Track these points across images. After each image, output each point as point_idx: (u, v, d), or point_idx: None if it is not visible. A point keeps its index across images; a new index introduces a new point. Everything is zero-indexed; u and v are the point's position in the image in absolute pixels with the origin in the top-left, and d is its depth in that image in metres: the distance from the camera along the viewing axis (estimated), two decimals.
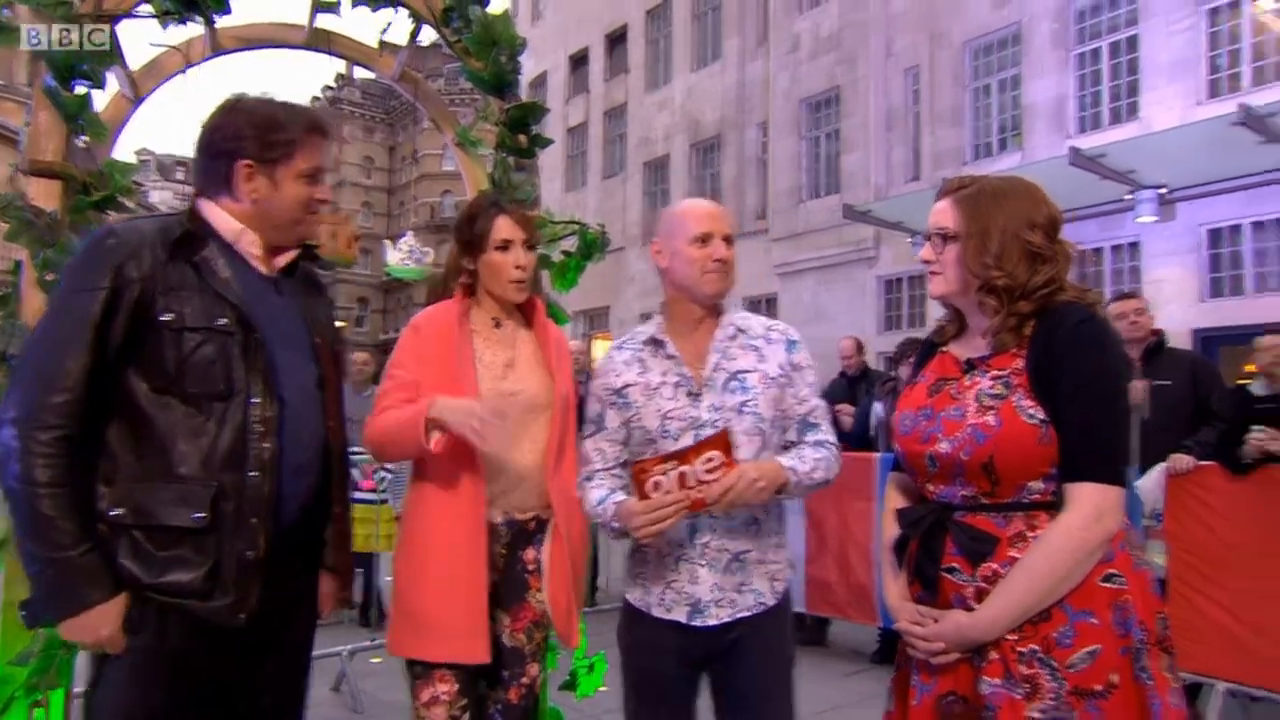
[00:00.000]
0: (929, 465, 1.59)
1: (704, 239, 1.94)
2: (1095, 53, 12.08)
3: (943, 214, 1.63)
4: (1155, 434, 4.10)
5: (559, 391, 2.15)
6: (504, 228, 2.11)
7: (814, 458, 1.93)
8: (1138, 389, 4.08)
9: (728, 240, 1.97)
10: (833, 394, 6.32)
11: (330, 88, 52.13)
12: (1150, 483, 4.05)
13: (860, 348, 6.81)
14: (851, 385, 6.53)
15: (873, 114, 14.62)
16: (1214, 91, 10.85)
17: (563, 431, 2.14)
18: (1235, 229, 10.68)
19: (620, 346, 2.05)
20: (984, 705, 1.48)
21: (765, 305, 16.31)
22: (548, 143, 2.97)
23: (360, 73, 46.36)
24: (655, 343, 2.00)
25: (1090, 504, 1.44)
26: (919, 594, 1.59)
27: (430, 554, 1.99)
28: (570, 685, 2.72)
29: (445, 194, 45.78)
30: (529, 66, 22.56)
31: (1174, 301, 10.66)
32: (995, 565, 1.50)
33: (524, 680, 2.09)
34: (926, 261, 1.66)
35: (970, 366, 1.61)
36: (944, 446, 1.55)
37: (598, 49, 21.69)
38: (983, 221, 1.56)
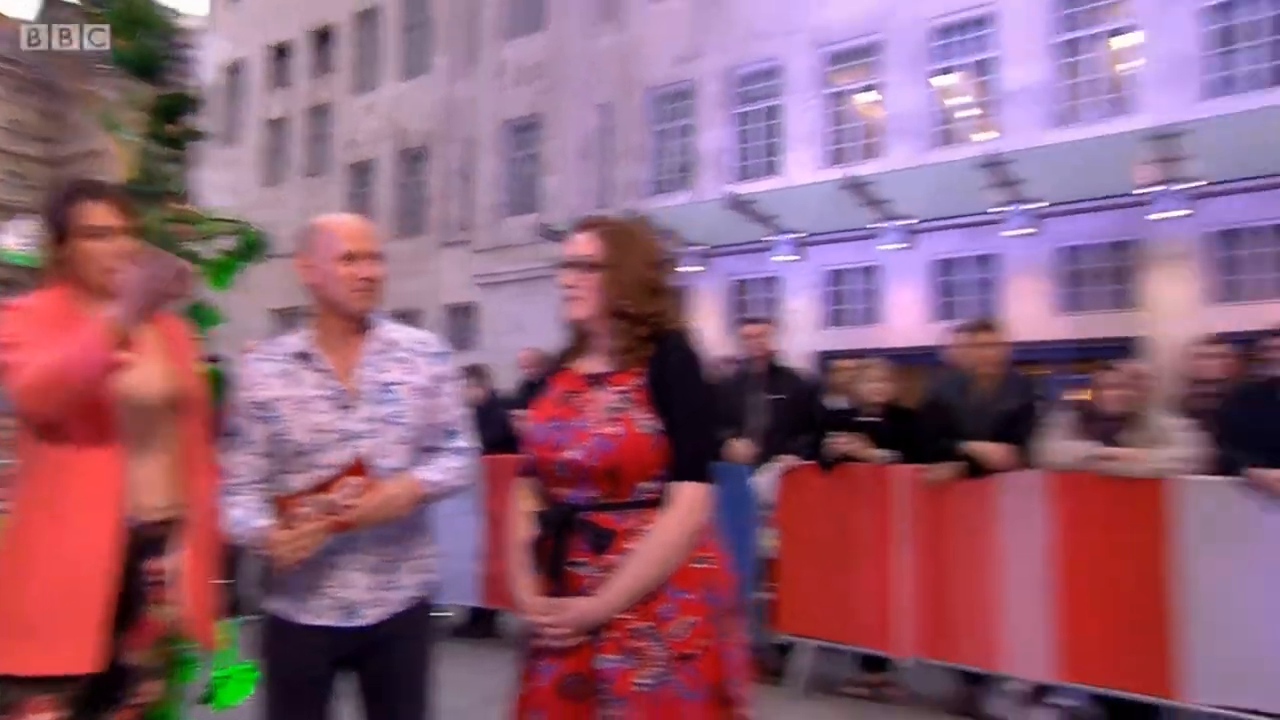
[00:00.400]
0: (558, 471, 1.65)
1: (351, 257, 1.87)
2: (752, 114, 13.32)
3: (586, 245, 1.70)
4: (772, 440, 4.50)
5: (182, 387, 1.97)
6: (95, 214, 1.89)
7: (450, 467, 1.94)
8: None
9: (375, 258, 1.91)
10: (515, 400, 6.32)
11: None
12: (766, 480, 4.43)
13: (541, 358, 6.88)
14: (532, 392, 6.52)
15: (570, 142, 15.02)
16: (836, 158, 12.42)
17: (193, 430, 1.96)
18: (848, 271, 12.36)
19: (263, 359, 1.91)
20: (600, 680, 1.56)
21: (466, 313, 16.13)
22: (200, 136, 2.69)
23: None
24: (303, 356, 1.90)
25: (690, 500, 1.59)
26: (551, 587, 1.65)
27: (42, 553, 1.73)
28: (208, 698, 2.47)
29: None
30: (225, 51, 20.44)
31: (804, 329, 12.10)
32: (614, 556, 1.59)
33: (137, 700, 1.88)
34: (569, 286, 1.72)
35: (594, 382, 1.69)
36: (574, 454, 1.62)
37: (301, 43, 20.18)
38: (621, 256, 1.67)
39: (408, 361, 1.94)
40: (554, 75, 15.45)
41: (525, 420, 1.78)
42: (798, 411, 4.64)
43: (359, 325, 1.94)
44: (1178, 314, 9.49)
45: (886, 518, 4.18)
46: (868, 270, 11.89)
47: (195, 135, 2.63)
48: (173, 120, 2.54)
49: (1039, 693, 4.09)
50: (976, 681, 4.19)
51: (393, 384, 1.90)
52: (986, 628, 3.87)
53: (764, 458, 4.46)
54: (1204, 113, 9.05)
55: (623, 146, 14.42)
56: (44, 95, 44.06)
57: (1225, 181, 8.99)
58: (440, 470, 1.92)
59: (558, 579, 1.63)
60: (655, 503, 1.60)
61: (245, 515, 1.81)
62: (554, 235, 12.01)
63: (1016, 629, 3.79)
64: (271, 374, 1.88)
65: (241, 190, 18.60)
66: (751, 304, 12.57)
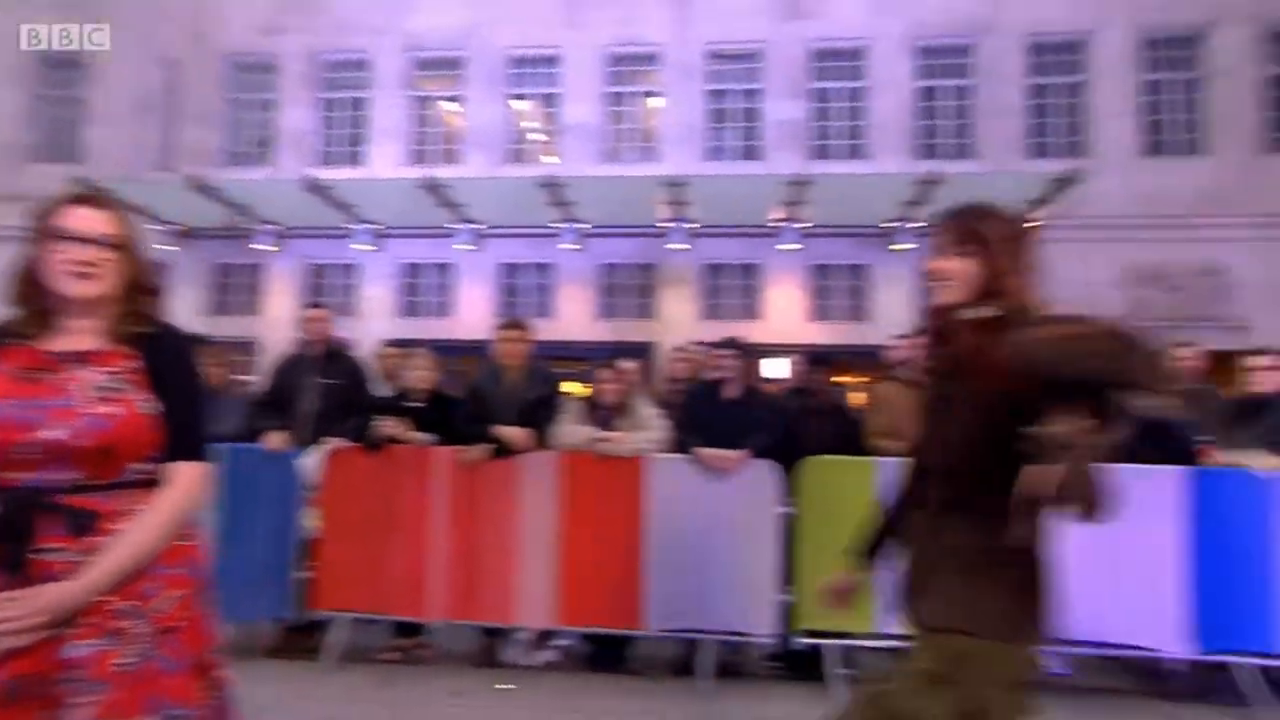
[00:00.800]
0: (22, 452, 1.47)
1: None
2: (338, 101, 12.53)
3: (105, 223, 1.60)
4: (322, 422, 4.35)
5: None
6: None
7: None
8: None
9: None
10: None
11: None
12: (312, 461, 4.25)
13: None
14: None
15: (125, 91, 12.64)
16: (418, 158, 12.21)
17: None
18: (424, 265, 12.31)
19: None
20: (69, 670, 1.43)
21: None
22: None
23: None
24: None
25: (189, 479, 1.57)
26: (7, 579, 1.45)
27: None
28: None
29: None
30: None
31: (379, 316, 11.77)
32: (97, 539, 1.48)
33: None
34: (88, 264, 1.57)
35: (71, 360, 1.55)
36: (55, 434, 1.47)
37: None
38: (132, 234, 1.62)
39: None
40: (106, 9, 12.84)
41: None
42: (349, 396, 4.56)
43: None
44: (680, 326, 11.13)
45: (425, 496, 4.27)
46: (442, 266, 11.94)
47: None
48: None
49: (543, 637, 4.49)
50: (495, 635, 4.47)
51: None
52: (505, 587, 4.10)
53: (312, 440, 4.33)
54: (704, 170, 10.70)
55: (194, 109, 12.58)
56: None
57: (714, 226, 10.56)
58: None
59: (17, 569, 1.45)
60: (147, 483, 1.54)
61: None
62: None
63: (528, 586, 4.08)
64: None
65: None
66: (329, 289, 11.85)
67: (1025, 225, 1.55)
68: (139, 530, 1.49)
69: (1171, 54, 11.10)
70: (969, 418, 1.48)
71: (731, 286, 11.48)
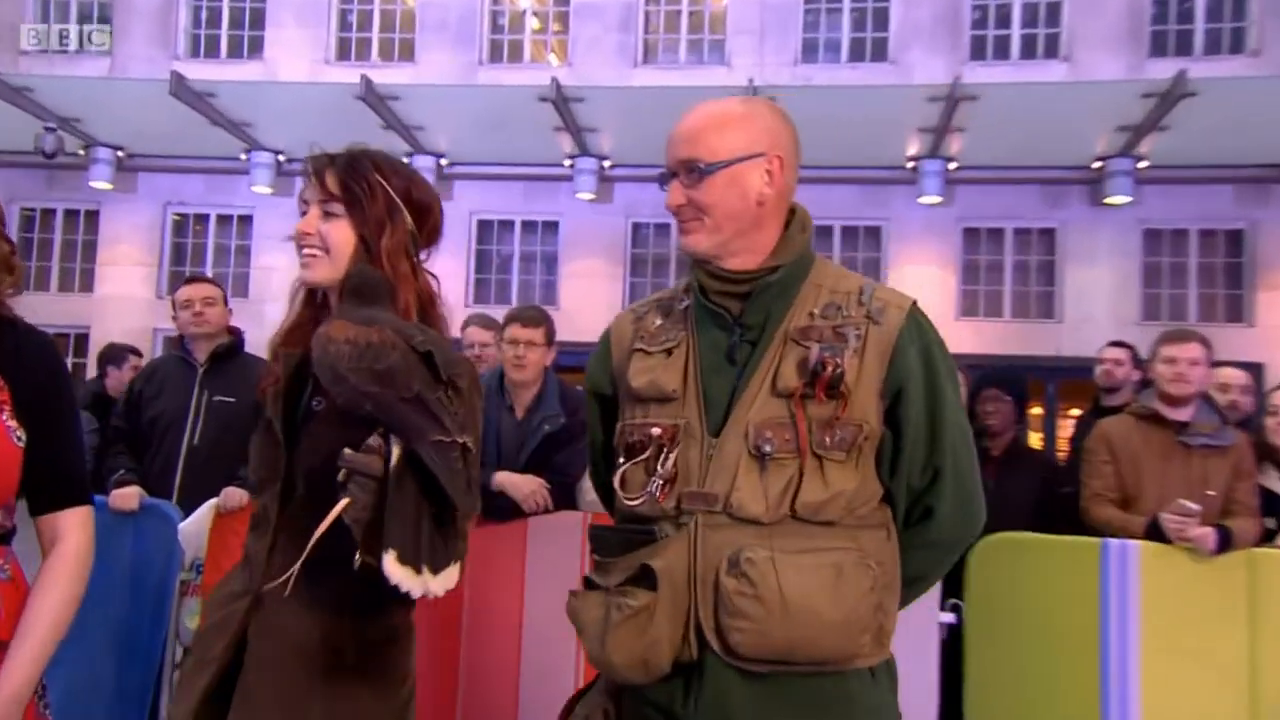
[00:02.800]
0: None
1: None
2: None
3: None
4: (208, 463, 4.08)
5: None
6: None
7: None
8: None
9: None
10: None
11: None
12: (194, 526, 3.92)
13: None
14: None
15: None
16: (342, 53, 10.71)
17: None
18: None
19: None
20: None
21: None
22: None
23: None
24: None
25: (82, 533, 1.56)
26: None
27: None
28: None
29: None
30: None
31: (282, 297, 9.70)
32: None
33: None
34: None
35: None
36: None
37: None
38: None
39: None
40: None
41: None
42: (250, 422, 3.97)
43: None
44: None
45: None
46: None
47: None
48: None
49: None
50: None
51: None
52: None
53: (193, 492, 4.12)
54: (796, 78, 9.43)
55: None
56: None
57: (808, 167, 9.21)
58: None
59: None
60: (3, 538, 1.53)
61: None
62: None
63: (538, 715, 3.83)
64: None
65: None
66: (212, 253, 10.90)
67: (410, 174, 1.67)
68: (50, 601, 1.50)
69: None
70: (321, 431, 1.52)
71: (834, 261, 9.99)
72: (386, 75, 9.27)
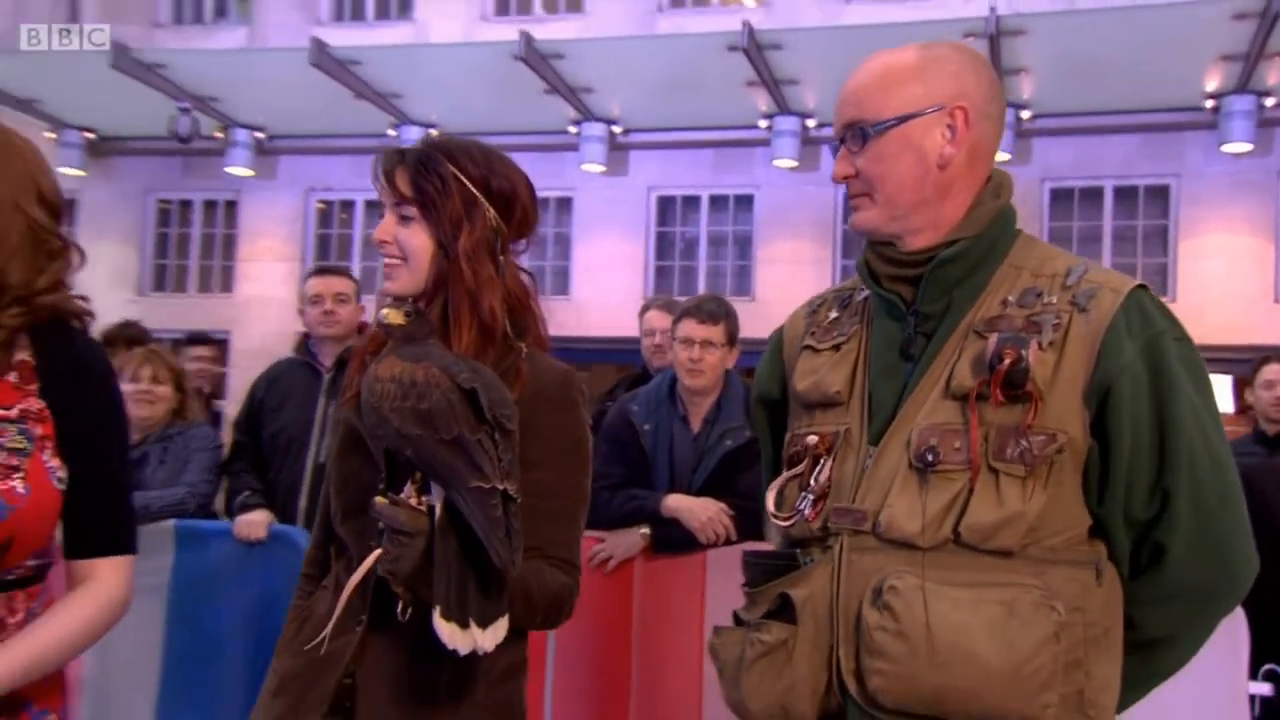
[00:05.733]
0: None
1: None
2: None
3: None
4: None
5: None
6: None
7: None
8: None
9: None
10: None
11: None
12: None
13: None
14: None
15: None
16: (502, 8, 11.14)
17: None
18: None
19: None
20: None
21: None
22: None
23: None
24: None
25: (116, 582, 1.60)
26: None
27: None
28: None
29: None
30: None
31: None
32: None
33: None
34: None
35: None
36: None
37: None
38: None
39: None
40: None
41: None
42: None
43: None
44: None
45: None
46: (558, 201, 11.05)
47: None
48: None
49: None
50: None
51: None
52: None
53: None
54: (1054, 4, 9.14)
55: None
56: None
57: (1068, 114, 9.54)
58: None
59: None
60: (26, 582, 1.57)
61: None
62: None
63: None
64: None
65: None
66: (351, 244, 11.56)
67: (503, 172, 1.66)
68: (51, 629, 1.54)
69: None
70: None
71: (1104, 230, 9.87)
72: (550, 30, 9.57)
